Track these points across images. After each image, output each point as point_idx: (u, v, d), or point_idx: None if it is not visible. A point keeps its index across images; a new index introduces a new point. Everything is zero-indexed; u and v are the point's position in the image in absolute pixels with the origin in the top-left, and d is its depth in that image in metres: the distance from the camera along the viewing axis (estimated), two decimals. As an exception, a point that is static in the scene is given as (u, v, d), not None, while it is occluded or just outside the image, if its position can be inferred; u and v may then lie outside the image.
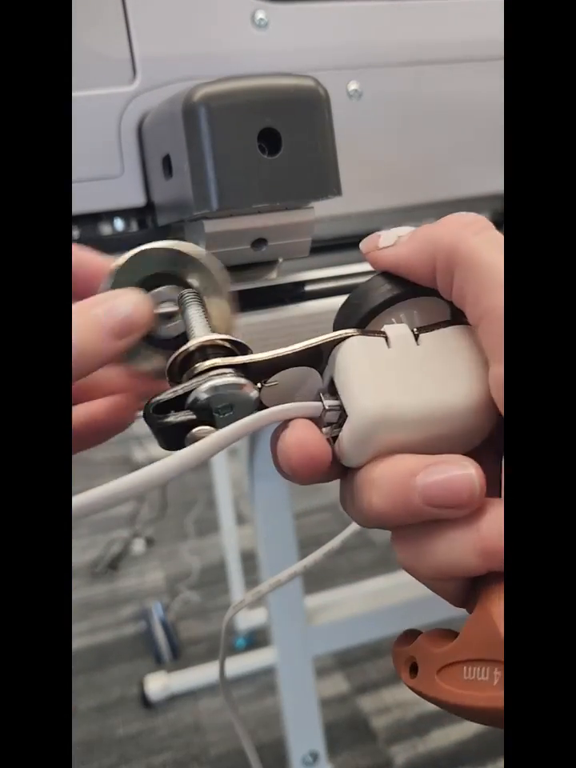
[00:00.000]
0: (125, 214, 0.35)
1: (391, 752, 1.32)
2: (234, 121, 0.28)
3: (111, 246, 0.31)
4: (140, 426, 0.27)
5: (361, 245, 0.24)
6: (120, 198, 0.34)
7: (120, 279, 0.24)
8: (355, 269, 0.35)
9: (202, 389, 0.21)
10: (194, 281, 0.25)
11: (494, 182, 0.39)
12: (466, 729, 1.35)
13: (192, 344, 0.22)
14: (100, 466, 2.50)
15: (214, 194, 0.29)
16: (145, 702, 1.48)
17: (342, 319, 0.23)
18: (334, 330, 0.23)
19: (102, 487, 0.19)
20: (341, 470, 0.22)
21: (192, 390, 0.21)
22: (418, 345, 0.22)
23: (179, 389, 0.21)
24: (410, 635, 0.22)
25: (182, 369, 0.22)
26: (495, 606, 0.19)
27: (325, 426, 0.21)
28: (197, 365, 0.22)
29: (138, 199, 0.34)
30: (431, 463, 0.19)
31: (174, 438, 0.22)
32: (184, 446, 0.21)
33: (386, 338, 0.22)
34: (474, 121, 0.39)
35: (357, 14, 0.36)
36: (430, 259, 0.22)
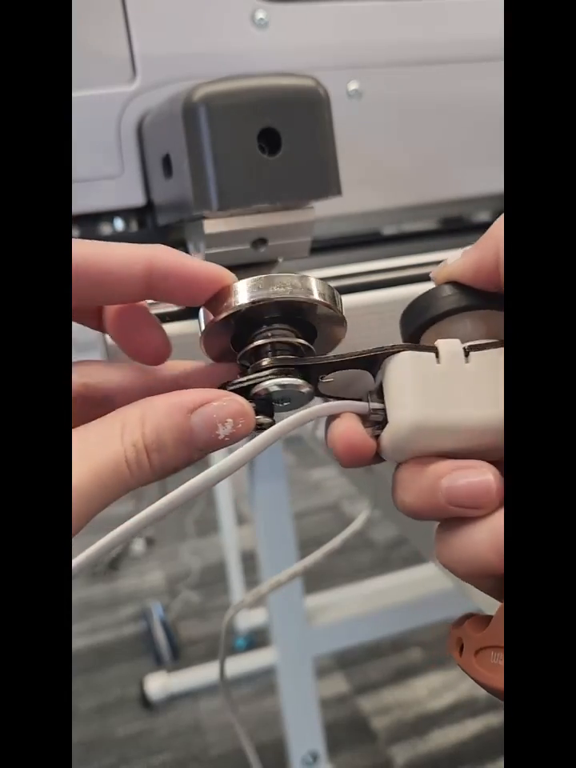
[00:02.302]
0: (125, 213, 0.35)
1: (391, 752, 1.32)
2: (234, 121, 0.28)
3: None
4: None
5: (432, 274, 0.25)
6: (120, 197, 0.34)
7: (229, 323, 0.24)
8: (355, 269, 0.35)
9: (266, 385, 0.23)
10: (310, 320, 0.25)
11: (493, 182, 0.39)
12: (466, 729, 1.36)
13: (263, 342, 0.24)
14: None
15: (214, 193, 0.29)
16: (145, 703, 1.48)
17: (406, 322, 0.25)
18: (400, 325, 0.25)
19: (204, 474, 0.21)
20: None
21: (257, 383, 0.23)
22: (467, 362, 0.23)
23: (246, 380, 0.24)
24: (465, 618, 0.24)
25: (251, 360, 0.24)
26: None
27: (369, 425, 0.23)
28: (264, 360, 0.24)
29: (137, 199, 0.34)
30: (456, 468, 0.22)
31: None
32: None
33: (437, 353, 0.23)
34: (474, 121, 0.39)
35: (357, 13, 0.36)
36: (493, 257, 0.22)
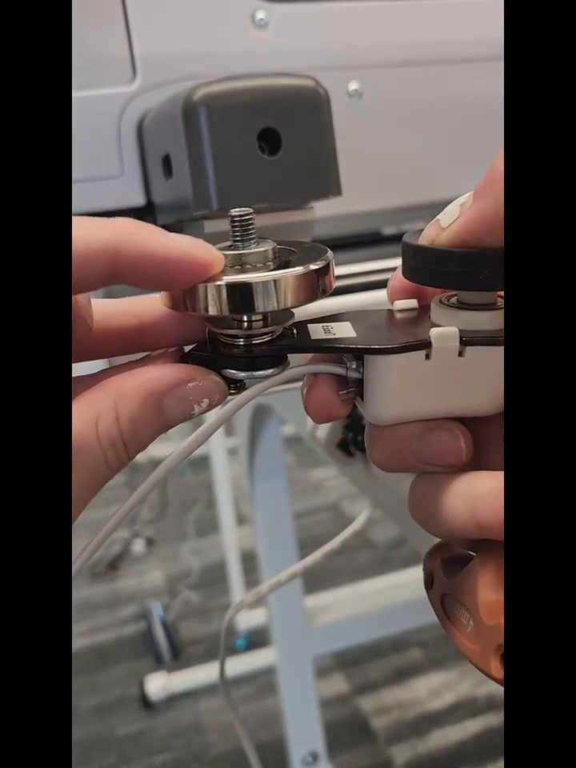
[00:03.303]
0: (125, 214, 0.35)
1: (391, 752, 1.32)
2: (234, 121, 0.28)
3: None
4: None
5: (421, 239, 0.22)
6: (120, 198, 0.34)
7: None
8: (355, 269, 0.35)
9: (241, 376, 0.22)
10: None
11: (493, 182, 0.39)
12: (466, 729, 1.36)
13: (237, 332, 0.23)
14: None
15: (214, 194, 0.29)
16: (145, 702, 1.48)
17: (419, 266, 0.22)
18: (409, 257, 0.22)
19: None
20: None
21: (231, 369, 0.22)
22: (459, 357, 0.22)
23: (221, 358, 0.23)
24: (438, 549, 0.24)
25: (225, 335, 0.23)
26: (479, 569, 0.21)
27: (346, 385, 0.23)
28: (236, 348, 0.22)
29: (137, 199, 0.34)
30: (426, 430, 0.23)
31: None
32: None
33: (429, 347, 0.22)
34: (473, 121, 0.39)
35: (357, 14, 0.36)
36: (497, 208, 0.19)
